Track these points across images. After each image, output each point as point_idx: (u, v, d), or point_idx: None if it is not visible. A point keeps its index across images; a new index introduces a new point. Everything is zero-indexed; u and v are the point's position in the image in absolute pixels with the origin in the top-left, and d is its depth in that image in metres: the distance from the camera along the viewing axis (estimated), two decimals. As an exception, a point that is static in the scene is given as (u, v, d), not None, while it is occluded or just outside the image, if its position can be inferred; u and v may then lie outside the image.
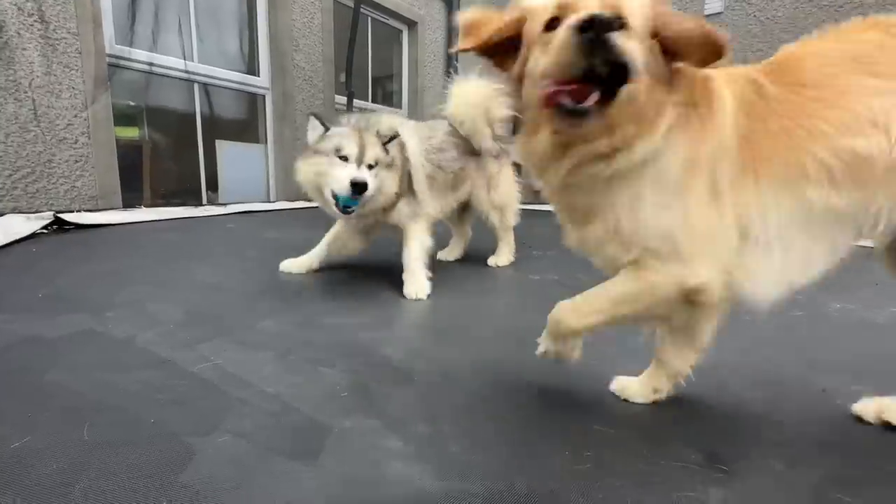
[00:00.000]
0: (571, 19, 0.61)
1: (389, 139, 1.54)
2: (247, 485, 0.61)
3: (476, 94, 1.87)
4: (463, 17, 0.79)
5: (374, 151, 1.46)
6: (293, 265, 1.79)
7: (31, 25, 2.58)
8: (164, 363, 0.95)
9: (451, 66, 5.79)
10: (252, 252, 2.14)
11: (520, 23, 0.73)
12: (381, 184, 1.49)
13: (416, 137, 1.70)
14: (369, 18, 5.04)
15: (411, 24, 5.43)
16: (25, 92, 2.57)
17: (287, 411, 0.81)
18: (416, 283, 1.60)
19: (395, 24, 5.38)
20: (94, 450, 0.67)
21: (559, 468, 0.69)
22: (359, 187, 1.37)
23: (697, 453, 0.72)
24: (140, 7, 3.21)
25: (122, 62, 3.12)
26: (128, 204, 3.13)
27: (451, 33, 5.79)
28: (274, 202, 4.00)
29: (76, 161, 2.84)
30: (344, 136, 1.45)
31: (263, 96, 4.08)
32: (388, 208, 1.61)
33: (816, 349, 1.20)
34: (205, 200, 3.77)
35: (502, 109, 1.90)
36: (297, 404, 0.83)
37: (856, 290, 1.71)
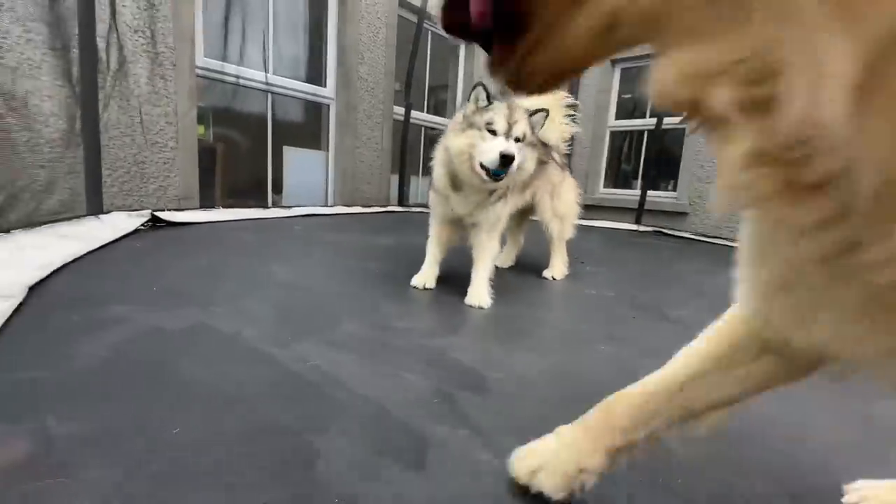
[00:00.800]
0: None
1: (535, 112, 1.62)
2: (371, 487, 0.69)
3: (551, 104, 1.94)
4: None
5: (521, 127, 1.55)
6: (423, 280, 1.83)
7: (142, 43, 2.88)
8: (271, 360, 1.06)
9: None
10: (319, 253, 2.30)
11: None
12: (524, 159, 1.58)
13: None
14: (430, 32, 5.21)
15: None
16: (129, 101, 2.87)
17: (384, 416, 0.89)
18: (481, 292, 1.68)
19: (452, 39, 5.52)
20: (238, 441, 0.76)
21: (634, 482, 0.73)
22: (506, 159, 1.46)
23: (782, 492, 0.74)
24: (229, 25, 3.50)
25: (210, 74, 3.41)
26: (204, 204, 3.40)
27: (507, 47, 5.86)
28: (332, 206, 4.20)
29: (164, 163, 3.12)
30: (496, 110, 1.54)
31: (328, 106, 4.30)
32: (483, 206, 1.68)
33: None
34: (270, 203, 4.02)
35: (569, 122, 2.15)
36: (391, 409, 0.91)
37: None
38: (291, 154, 4.12)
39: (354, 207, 4.21)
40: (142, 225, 2.34)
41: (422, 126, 5.41)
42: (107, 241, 1.93)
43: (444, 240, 1.85)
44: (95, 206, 2.44)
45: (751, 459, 0.86)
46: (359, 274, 2.01)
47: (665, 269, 2.92)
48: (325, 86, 4.25)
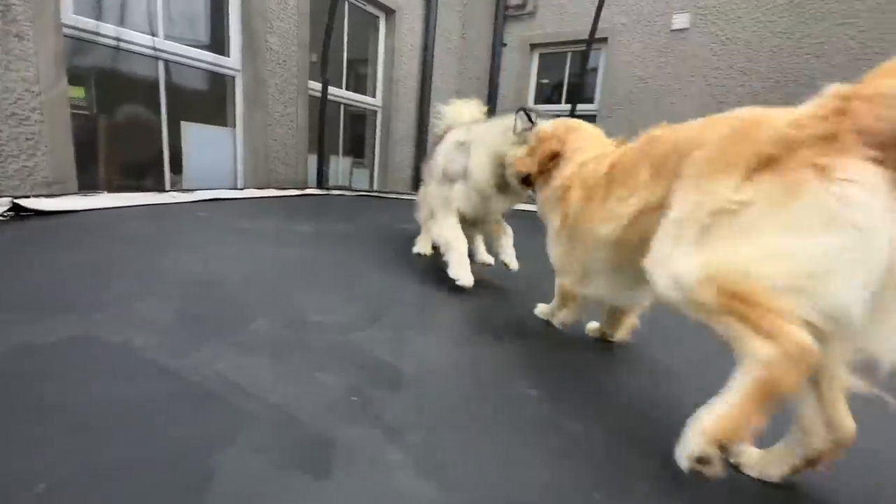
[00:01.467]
0: None
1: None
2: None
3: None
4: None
5: None
6: (469, 279, 1.78)
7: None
8: (166, 372, 0.95)
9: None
10: (228, 241, 2.10)
11: None
12: None
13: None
14: (346, 3, 4.92)
15: (389, 12, 5.35)
16: (-29, 62, 2.37)
17: (293, 423, 0.85)
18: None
19: (372, 11, 5.28)
20: (114, 473, 0.68)
21: (542, 479, 0.78)
22: None
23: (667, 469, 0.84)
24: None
25: (82, 35, 2.92)
26: (84, 188, 2.95)
27: (429, 24, 5.75)
28: (242, 189, 3.88)
29: (27, 139, 2.64)
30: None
31: (234, 78, 3.92)
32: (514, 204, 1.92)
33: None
34: (168, 185, 3.61)
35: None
36: (301, 415, 0.87)
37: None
38: (192, 130, 3.71)
39: (268, 190, 3.93)
40: (1, 215, 1.97)
41: (340, 103, 5.15)
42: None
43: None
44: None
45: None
46: (273, 265, 1.88)
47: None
48: (228, 55, 3.85)
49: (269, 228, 2.54)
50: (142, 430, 0.78)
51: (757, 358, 0.68)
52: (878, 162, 0.64)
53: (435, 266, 2.21)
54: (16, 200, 2.07)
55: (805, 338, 0.65)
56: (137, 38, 3.20)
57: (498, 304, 1.76)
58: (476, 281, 1.75)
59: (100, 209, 2.41)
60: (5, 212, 1.99)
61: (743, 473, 0.83)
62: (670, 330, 1.53)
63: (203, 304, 1.36)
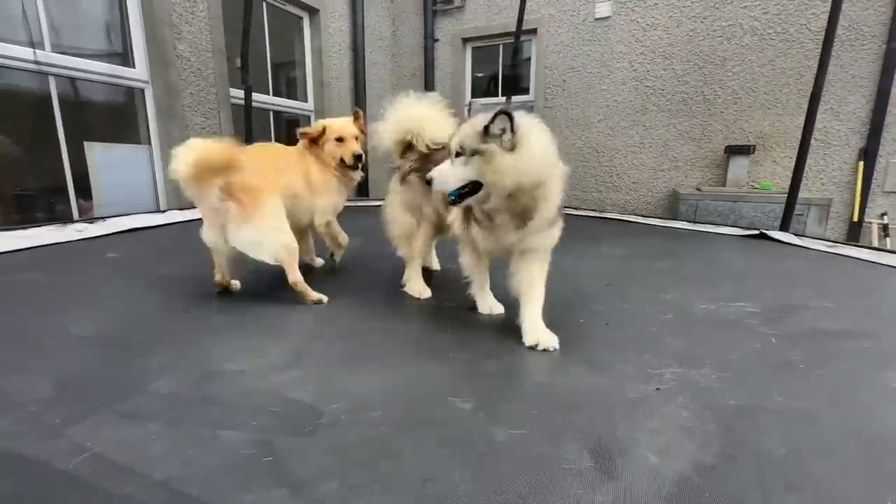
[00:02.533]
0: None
1: None
2: None
3: None
4: None
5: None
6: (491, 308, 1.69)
7: None
8: (26, 464, 0.82)
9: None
10: (138, 287, 1.89)
11: None
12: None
13: None
14: (264, 4, 4.65)
15: (312, 12, 5.12)
16: None
17: (178, 501, 0.75)
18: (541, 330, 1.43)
19: (293, 11, 5.03)
20: None
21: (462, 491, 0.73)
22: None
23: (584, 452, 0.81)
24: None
25: (-56, 53, 2.55)
26: (-31, 226, 2.61)
27: (356, 23, 5.57)
28: (164, 212, 3.59)
29: None
30: None
31: (143, 90, 3.60)
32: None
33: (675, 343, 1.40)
34: (76, 215, 3.27)
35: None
36: (190, 488, 0.77)
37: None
38: (98, 151, 3.38)
39: (193, 212, 3.65)
40: None
41: (269, 110, 4.89)
42: None
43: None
44: None
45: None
46: (192, 307, 1.69)
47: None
48: (133, 66, 3.53)
49: (193, 262, 2.31)
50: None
51: None
52: None
53: (359, 290, 2.12)
54: None
55: None
56: (14, 52, 2.85)
57: (433, 320, 1.70)
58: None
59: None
60: None
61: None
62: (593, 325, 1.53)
63: (94, 370, 1.20)
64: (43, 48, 2.99)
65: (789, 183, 3.57)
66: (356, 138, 2.01)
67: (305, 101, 5.33)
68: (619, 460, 0.87)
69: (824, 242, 3.24)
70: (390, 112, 1.86)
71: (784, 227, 3.50)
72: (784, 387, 1.21)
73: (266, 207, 1.64)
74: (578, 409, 1.07)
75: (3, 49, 2.80)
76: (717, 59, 4.74)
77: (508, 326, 1.56)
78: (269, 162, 1.80)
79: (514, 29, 4.88)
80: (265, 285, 1.93)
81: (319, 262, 2.34)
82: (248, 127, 4.09)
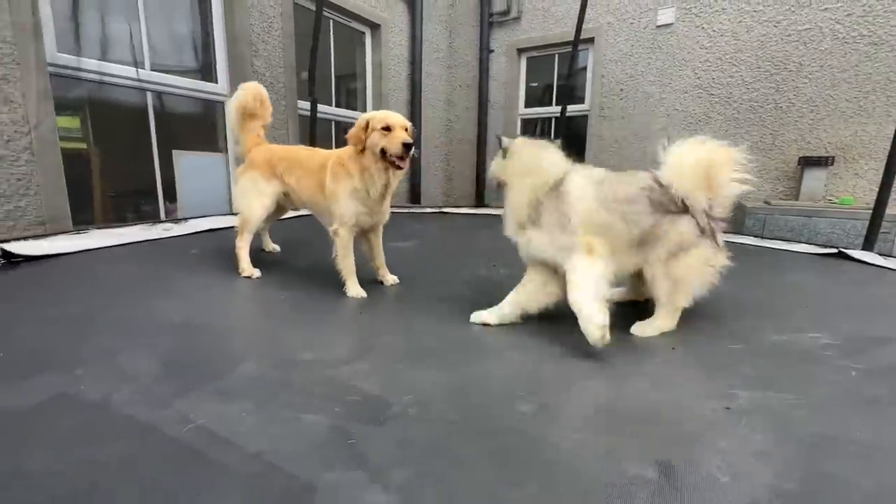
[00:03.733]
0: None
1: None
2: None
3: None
4: None
5: None
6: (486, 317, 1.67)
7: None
8: (144, 429, 0.94)
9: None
10: (219, 280, 2.09)
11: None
12: None
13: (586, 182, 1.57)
14: (331, 21, 4.95)
15: (374, 27, 5.37)
16: (-42, 109, 2.39)
17: (271, 473, 0.83)
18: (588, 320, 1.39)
19: (357, 27, 5.30)
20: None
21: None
22: None
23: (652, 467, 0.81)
24: (84, 14, 3.03)
25: (68, 72, 2.94)
26: (79, 224, 2.97)
27: (414, 36, 5.77)
28: (236, 214, 3.88)
29: (18, 180, 2.66)
30: None
31: (222, 104, 3.93)
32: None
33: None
34: (163, 215, 3.62)
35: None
36: (281, 462, 0.86)
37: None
38: (183, 158, 3.73)
39: (263, 213, 3.92)
40: (-11, 262, 1.97)
41: (331, 120, 5.17)
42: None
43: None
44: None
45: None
46: (266, 302, 1.87)
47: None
48: (216, 82, 3.87)
49: (263, 261, 2.51)
50: (113, 497, 0.77)
51: None
52: None
53: (422, 296, 2.19)
54: (4, 246, 2.08)
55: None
56: (122, 71, 3.23)
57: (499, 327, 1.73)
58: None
59: (89, 251, 2.41)
60: (-6, 259, 2.00)
61: None
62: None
63: (189, 350, 1.35)
64: (143, 67, 3.36)
65: (875, 197, 3.28)
66: (405, 129, 1.82)
67: (364, 111, 5.57)
68: (687, 477, 0.86)
69: (916, 264, 2.95)
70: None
71: (867, 245, 3.22)
72: (868, 420, 1.13)
73: (244, 177, 2.26)
74: (643, 422, 1.07)
75: (114, 69, 3.18)
76: (793, 65, 4.46)
77: (565, 330, 1.56)
78: (282, 153, 2.24)
79: (569, 38, 4.86)
80: (331, 284, 2.06)
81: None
82: (313, 135, 4.34)
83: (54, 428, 0.94)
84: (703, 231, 1.58)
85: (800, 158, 4.48)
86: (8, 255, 2.05)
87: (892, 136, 3.17)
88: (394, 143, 1.76)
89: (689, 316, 2.04)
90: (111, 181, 3.45)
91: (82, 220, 3.09)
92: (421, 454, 0.90)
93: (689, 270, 1.61)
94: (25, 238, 2.46)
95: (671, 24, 4.97)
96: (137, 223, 3.14)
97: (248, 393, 1.10)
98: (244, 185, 2.24)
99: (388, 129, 1.78)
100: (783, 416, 1.13)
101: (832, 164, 4.34)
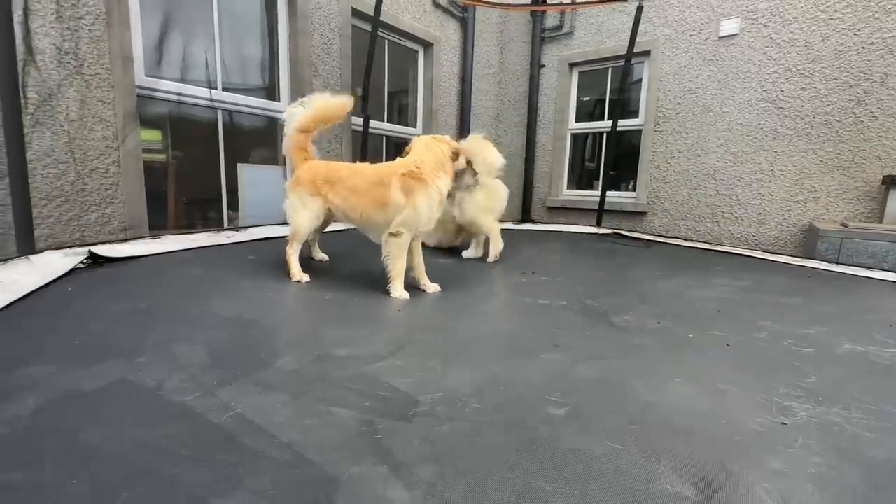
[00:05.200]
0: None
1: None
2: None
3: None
4: None
5: None
6: None
7: (68, 63, 2.75)
8: (189, 414, 1.02)
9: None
10: (271, 284, 2.23)
11: None
12: None
13: None
14: (386, 41, 5.18)
15: (427, 45, 5.56)
16: (63, 127, 2.74)
17: (299, 463, 0.87)
18: None
19: (411, 45, 5.51)
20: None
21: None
22: None
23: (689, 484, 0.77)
24: (171, 43, 3.39)
25: (152, 94, 3.30)
26: (155, 229, 3.28)
27: (466, 53, 5.90)
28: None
29: (107, 190, 2.99)
30: None
31: (283, 121, 4.22)
32: None
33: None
34: (226, 223, 3.91)
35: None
36: (309, 453, 0.90)
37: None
38: (246, 171, 4.02)
39: (315, 222, 4.14)
40: (80, 263, 2.23)
41: (383, 135, 5.38)
42: (35, 288, 1.83)
43: None
44: (26, 246, 2.31)
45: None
46: (311, 303, 1.98)
47: (618, 274, 2.97)
48: (278, 100, 4.17)
49: (313, 267, 2.66)
50: (160, 477, 0.84)
51: None
52: None
53: (459, 300, 2.21)
54: (92, 249, 2.34)
55: None
56: (197, 92, 3.56)
57: (529, 320, 1.72)
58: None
59: (162, 253, 2.66)
60: (83, 260, 2.25)
61: None
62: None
63: (236, 344, 1.45)
64: (216, 87, 3.69)
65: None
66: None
67: (415, 126, 5.74)
68: (729, 498, 0.81)
69: None
70: None
71: (967, 273, 2.84)
72: None
73: (293, 193, 2.46)
74: (685, 431, 1.01)
75: (191, 90, 3.53)
76: (876, 75, 4.09)
77: (600, 333, 1.52)
78: (324, 172, 2.40)
79: (623, 52, 4.76)
80: (375, 288, 2.13)
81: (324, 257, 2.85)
82: (364, 149, 4.54)
83: (113, 409, 1.04)
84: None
85: (884, 177, 4.06)
86: (95, 257, 2.31)
87: None
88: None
89: (741, 313, 1.95)
90: (184, 191, 3.79)
91: (158, 225, 3.40)
92: (446, 452, 0.91)
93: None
94: (111, 242, 2.75)
95: (735, 34, 4.74)
96: (204, 230, 3.41)
97: (285, 385, 1.17)
98: (293, 201, 2.41)
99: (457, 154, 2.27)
100: (848, 436, 1.03)
101: (923, 182, 3.90)
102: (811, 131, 4.43)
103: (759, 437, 1.02)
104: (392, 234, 2.07)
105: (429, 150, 2.17)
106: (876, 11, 4.06)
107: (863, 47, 4.13)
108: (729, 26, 4.76)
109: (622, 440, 0.97)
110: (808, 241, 4.28)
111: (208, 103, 3.63)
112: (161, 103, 3.43)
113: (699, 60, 5.00)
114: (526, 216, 6.24)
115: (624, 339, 1.61)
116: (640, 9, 4.35)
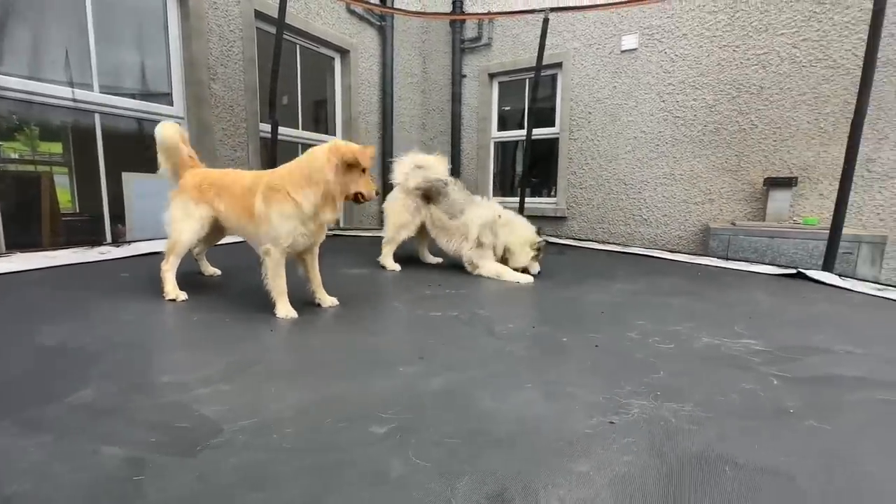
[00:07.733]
0: None
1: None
2: None
3: None
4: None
5: None
6: None
7: None
8: None
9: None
10: (136, 304, 1.97)
11: None
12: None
13: None
14: (298, 46, 5.00)
15: (343, 52, 5.44)
16: None
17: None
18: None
19: (326, 52, 5.37)
20: None
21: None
22: None
23: None
24: (10, 30, 3.02)
25: (11, 95, 2.92)
26: (21, 245, 2.88)
27: (385, 62, 5.85)
28: (189, 236, 3.80)
29: (-58, 201, 2.58)
30: None
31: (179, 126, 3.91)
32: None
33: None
34: (109, 237, 3.53)
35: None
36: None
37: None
38: (134, 181, 3.67)
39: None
40: None
41: (297, 143, 5.16)
42: None
43: None
44: None
45: None
46: (172, 325, 1.77)
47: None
48: (171, 104, 3.86)
49: (200, 285, 2.42)
50: None
51: None
52: None
53: (357, 309, 2.09)
54: None
55: None
56: (57, 91, 3.19)
57: (410, 333, 1.63)
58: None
59: (9, 273, 2.32)
60: None
61: None
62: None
63: (30, 377, 1.23)
64: (91, 89, 3.34)
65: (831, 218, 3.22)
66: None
67: (334, 134, 5.58)
68: None
69: (873, 285, 2.86)
70: None
71: (827, 266, 3.13)
72: (766, 437, 1.02)
73: (175, 201, 2.19)
74: (507, 441, 0.96)
75: (46, 89, 3.16)
76: (753, 87, 4.50)
77: (482, 337, 1.45)
78: (213, 177, 2.18)
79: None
80: (261, 307, 1.96)
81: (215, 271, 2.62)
82: (273, 157, 4.31)
83: None
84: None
85: (765, 179, 4.46)
86: None
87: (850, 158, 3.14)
88: (370, 188, 1.88)
89: (623, 315, 2.00)
90: (56, 204, 3.38)
91: (23, 243, 2.99)
92: (217, 491, 0.79)
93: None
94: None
95: (635, 48, 5.05)
96: (70, 247, 3.03)
97: (58, 423, 0.99)
98: (174, 210, 2.17)
99: (354, 164, 1.83)
100: (670, 430, 1.02)
101: (796, 184, 4.31)
102: (703, 138, 4.79)
103: (584, 439, 0.98)
104: (265, 252, 1.90)
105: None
106: (749, 31, 4.47)
107: (741, 62, 4.54)
108: (629, 41, 5.06)
109: (431, 457, 0.89)
110: (705, 240, 4.59)
111: (70, 104, 3.26)
112: (32, 105, 3.04)
113: (606, 73, 5.27)
114: (453, 224, 6.23)
115: (497, 347, 1.57)
116: (545, 21, 4.51)
